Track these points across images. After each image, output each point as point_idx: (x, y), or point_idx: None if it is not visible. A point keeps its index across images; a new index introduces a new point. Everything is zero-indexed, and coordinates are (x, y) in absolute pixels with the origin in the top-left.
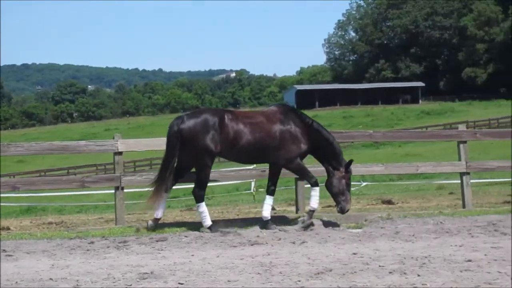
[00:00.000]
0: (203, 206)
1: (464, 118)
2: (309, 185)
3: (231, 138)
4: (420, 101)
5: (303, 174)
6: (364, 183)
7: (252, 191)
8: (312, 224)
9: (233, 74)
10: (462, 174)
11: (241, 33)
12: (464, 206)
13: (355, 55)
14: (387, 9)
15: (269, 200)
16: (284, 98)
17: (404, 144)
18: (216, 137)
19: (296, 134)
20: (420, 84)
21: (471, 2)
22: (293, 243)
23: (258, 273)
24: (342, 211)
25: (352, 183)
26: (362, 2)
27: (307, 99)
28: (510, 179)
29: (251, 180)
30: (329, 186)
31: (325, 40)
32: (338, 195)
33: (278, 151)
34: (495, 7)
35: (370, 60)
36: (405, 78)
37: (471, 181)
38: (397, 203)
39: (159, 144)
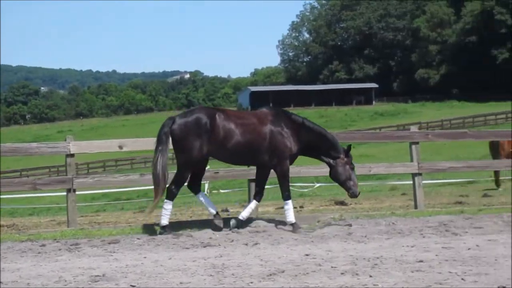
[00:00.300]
0: (169, 205)
1: (417, 119)
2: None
3: (222, 138)
4: (373, 102)
5: (284, 182)
6: (318, 184)
7: (205, 193)
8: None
9: (187, 76)
10: (414, 175)
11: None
12: (416, 207)
13: (309, 57)
14: (340, 11)
15: (252, 205)
16: (238, 99)
17: (357, 145)
18: (206, 139)
19: (287, 136)
20: (374, 85)
21: (424, 4)
22: (246, 244)
23: (211, 275)
24: (354, 195)
25: (305, 184)
26: (315, 4)
27: (261, 100)
28: (462, 180)
29: (205, 182)
30: (335, 175)
31: (279, 41)
32: (346, 181)
33: (268, 153)
34: (447, 9)
35: (324, 62)
36: (359, 79)
37: (424, 182)
38: (350, 204)
39: (112, 146)
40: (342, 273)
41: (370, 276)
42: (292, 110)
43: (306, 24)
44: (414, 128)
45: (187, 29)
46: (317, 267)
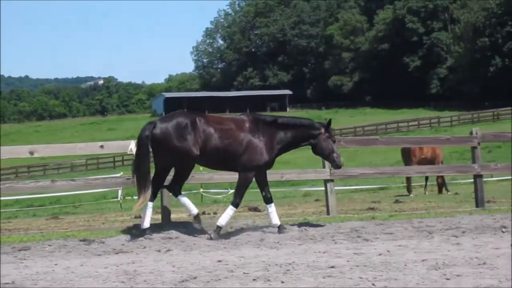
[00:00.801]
0: (183, 199)
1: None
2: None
3: (202, 142)
4: (288, 108)
5: (242, 189)
6: (232, 191)
7: (119, 199)
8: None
9: (101, 81)
10: (326, 181)
11: (109, 40)
12: (328, 213)
13: (223, 63)
14: (254, 18)
15: (271, 209)
16: (153, 105)
17: None
18: (193, 138)
19: (262, 146)
20: (288, 92)
21: (337, 12)
22: (159, 251)
23: (122, 282)
24: (338, 167)
25: (219, 190)
26: (230, 11)
27: (175, 106)
28: (374, 186)
29: (118, 188)
30: (319, 151)
31: (193, 47)
32: (331, 154)
33: (243, 159)
34: (360, 17)
35: (238, 68)
36: (273, 86)
37: (337, 188)
38: (264, 210)
39: (22, 151)
40: (254, 279)
41: (282, 282)
42: None
43: (220, 30)
44: None
45: (100, 35)
46: (230, 273)
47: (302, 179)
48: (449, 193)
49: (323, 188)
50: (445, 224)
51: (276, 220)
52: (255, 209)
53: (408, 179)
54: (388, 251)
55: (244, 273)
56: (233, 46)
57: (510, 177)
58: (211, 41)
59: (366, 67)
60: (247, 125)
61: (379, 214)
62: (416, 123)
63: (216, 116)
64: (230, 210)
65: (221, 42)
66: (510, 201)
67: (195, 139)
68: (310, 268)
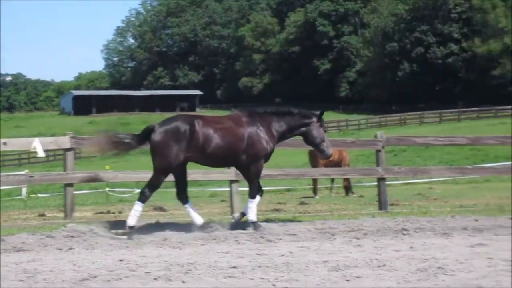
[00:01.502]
0: (139, 206)
1: None
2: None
3: (201, 144)
4: (197, 109)
5: (255, 181)
6: (138, 190)
7: (23, 197)
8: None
9: (9, 78)
10: (231, 182)
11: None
12: (232, 214)
13: (134, 62)
14: (166, 17)
15: (251, 204)
16: (61, 103)
17: None
18: (185, 145)
19: (263, 135)
20: (198, 92)
21: (249, 13)
22: (60, 249)
23: (21, 280)
24: (327, 156)
25: (126, 189)
26: (141, 9)
27: (84, 105)
28: (281, 188)
29: (22, 185)
30: (311, 139)
31: (104, 46)
32: (321, 143)
33: (245, 153)
34: (271, 19)
35: (148, 67)
36: (183, 86)
37: (244, 189)
38: (169, 210)
39: None
40: (155, 279)
41: (183, 282)
42: (116, 115)
43: (131, 29)
44: None
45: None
46: (131, 272)
47: (208, 179)
48: (354, 195)
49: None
50: (348, 226)
51: (253, 216)
52: (161, 209)
53: (314, 181)
54: (290, 252)
55: (145, 272)
56: (144, 45)
57: (413, 181)
58: (122, 39)
59: (277, 69)
60: (244, 119)
61: (283, 215)
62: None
63: (214, 116)
64: (251, 203)
65: (132, 41)
66: (413, 204)
67: (192, 142)
68: (212, 268)
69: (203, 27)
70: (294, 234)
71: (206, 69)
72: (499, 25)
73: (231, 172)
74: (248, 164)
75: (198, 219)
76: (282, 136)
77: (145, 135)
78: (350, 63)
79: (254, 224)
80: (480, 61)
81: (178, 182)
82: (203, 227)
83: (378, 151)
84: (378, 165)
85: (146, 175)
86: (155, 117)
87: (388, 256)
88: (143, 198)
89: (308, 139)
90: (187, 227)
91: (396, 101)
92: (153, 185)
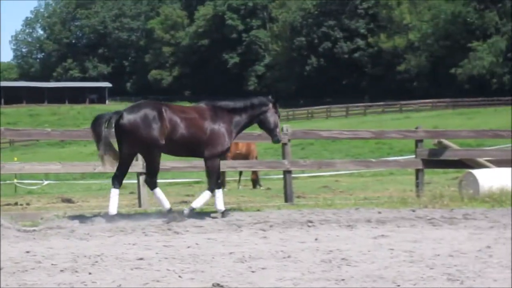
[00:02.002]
0: (158, 192)
1: None
2: None
3: (169, 131)
4: (107, 101)
5: (213, 175)
6: (47, 182)
7: None
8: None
9: None
10: (138, 174)
11: None
12: (140, 205)
13: (43, 53)
14: (75, 9)
15: (206, 195)
16: None
17: (89, 143)
18: (160, 129)
19: (223, 132)
20: (107, 84)
21: (159, 6)
22: None
23: None
24: (279, 140)
25: (34, 181)
26: (50, 1)
27: None
28: (190, 180)
29: None
30: (267, 125)
31: (12, 36)
32: (275, 128)
33: (205, 146)
34: (181, 12)
35: (58, 59)
36: (93, 78)
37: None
38: (77, 202)
39: None
40: (61, 271)
41: (90, 274)
42: (25, 106)
43: (40, 20)
44: None
45: None
46: (37, 264)
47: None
48: (261, 188)
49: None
50: (254, 218)
51: (198, 204)
52: (69, 201)
53: (222, 174)
54: (197, 244)
55: (52, 264)
56: (53, 37)
57: (320, 174)
58: (31, 30)
59: (186, 62)
60: (208, 113)
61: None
62: None
63: (179, 105)
64: (207, 195)
65: (41, 32)
66: (319, 196)
67: (162, 129)
68: (119, 260)
69: (112, 19)
70: (201, 226)
71: (115, 61)
72: (404, 21)
73: (138, 165)
74: (206, 158)
75: (166, 204)
76: (242, 128)
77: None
78: (258, 57)
79: (223, 214)
80: (386, 56)
81: (149, 168)
82: (170, 211)
83: (284, 144)
84: (284, 158)
85: (54, 166)
86: (64, 109)
87: (294, 248)
88: (153, 185)
89: (265, 124)
90: (94, 218)
91: (304, 95)
92: (153, 170)
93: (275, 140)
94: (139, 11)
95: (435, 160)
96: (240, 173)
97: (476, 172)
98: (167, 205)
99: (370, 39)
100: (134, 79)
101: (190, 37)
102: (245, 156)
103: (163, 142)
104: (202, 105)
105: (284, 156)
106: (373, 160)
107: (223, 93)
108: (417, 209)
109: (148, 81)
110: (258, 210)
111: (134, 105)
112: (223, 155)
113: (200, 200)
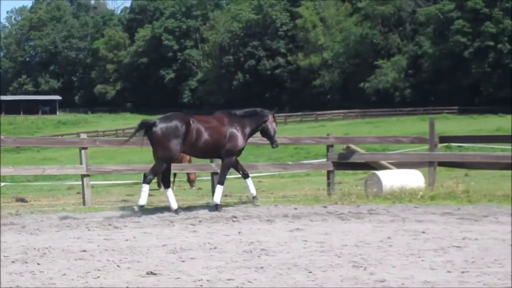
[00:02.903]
0: (146, 188)
1: (95, 128)
2: None
3: (194, 139)
4: (57, 112)
5: (225, 171)
6: (3, 183)
7: None
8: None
9: None
10: (83, 176)
11: None
12: (84, 204)
13: (0, 70)
14: (29, 31)
15: (218, 189)
16: None
17: (42, 149)
18: (180, 141)
19: (239, 135)
20: (57, 97)
21: (103, 28)
22: None
23: None
24: (277, 145)
25: None
26: (6, 23)
27: None
28: (130, 181)
29: None
30: (268, 133)
31: None
32: (274, 135)
33: (225, 148)
34: (123, 34)
35: (13, 75)
36: (45, 91)
37: (99, 182)
38: (30, 201)
39: None
40: (13, 262)
41: (38, 264)
42: None
43: None
44: (83, 135)
45: None
46: None
47: (63, 173)
48: (194, 188)
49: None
50: (186, 214)
51: (218, 199)
52: (23, 200)
53: (158, 176)
54: (134, 237)
55: (4, 256)
56: (9, 55)
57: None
58: None
59: (128, 77)
60: (225, 119)
61: (131, 204)
62: None
63: (202, 116)
64: (220, 188)
65: None
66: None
67: (186, 140)
68: (65, 252)
69: (62, 40)
70: (138, 222)
71: (65, 77)
72: (319, 42)
73: (82, 168)
74: (224, 157)
75: (174, 204)
76: (252, 133)
77: (145, 128)
78: (191, 73)
79: (217, 207)
80: (303, 72)
81: (165, 172)
82: (176, 211)
83: None
84: (212, 161)
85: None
86: (20, 119)
87: (219, 240)
88: (147, 180)
89: (266, 132)
90: (44, 216)
91: (232, 106)
92: (155, 171)
93: (275, 145)
94: (86, 33)
95: (344, 162)
96: (174, 175)
97: (380, 173)
98: (174, 205)
99: (289, 58)
100: (82, 92)
101: (131, 56)
102: (179, 160)
103: (180, 150)
104: (220, 114)
105: (212, 159)
106: (290, 163)
107: (160, 105)
108: (328, 206)
109: (94, 95)
110: (189, 207)
111: (167, 116)
112: (239, 154)
113: (218, 195)
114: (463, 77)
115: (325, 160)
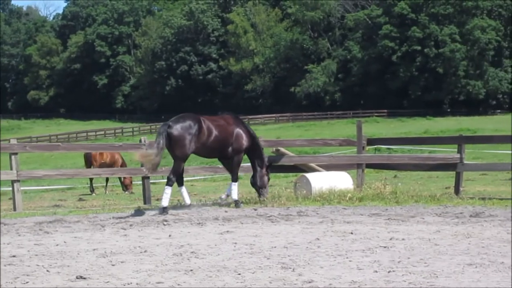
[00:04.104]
0: (169, 190)
1: (29, 134)
2: None
3: (206, 137)
4: None
5: (236, 168)
6: None
7: None
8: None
9: None
10: (13, 182)
11: None
12: (15, 209)
13: None
14: None
15: (234, 186)
16: None
17: None
18: (195, 139)
19: (244, 135)
20: None
21: (36, 35)
22: None
23: None
24: (264, 199)
25: None
26: None
27: None
28: (63, 186)
29: None
30: (253, 180)
31: None
32: (261, 188)
33: (232, 147)
34: (55, 40)
35: None
36: None
37: (32, 188)
38: None
39: None
40: None
41: None
42: None
43: None
44: (13, 141)
45: None
46: None
47: None
48: (126, 192)
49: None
50: (117, 218)
51: (235, 196)
52: None
53: (91, 180)
54: (64, 242)
55: None
56: None
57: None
58: None
59: (61, 83)
60: (231, 120)
61: (61, 210)
62: (103, 132)
63: (211, 116)
64: (235, 186)
65: None
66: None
67: (198, 138)
68: None
69: None
70: (69, 226)
71: None
72: (250, 47)
73: (13, 173)
74: (232, 155)
75: (188, 200)
76: (247, 148)
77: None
78: (124, 78)
79: (236, 203)
80: (235, 77)
81: (176, 170)
82: (189, 207)
83: None
84: (141, 166)
85: None
86: None
87: (150, 244)
88: (170, 183)
89: (253, 179)
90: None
91: (165, 111)
92: (176, 170)
93: (261, 199)
94: (18, 39)
95: (274, 165)
96: (107, 179)
97: (309, 175)
98: (188, 201)
99: (221, 63)
100: (15, 98)
101: (64, 62)
102: (110, 165)
103: (194, 148)
104: (225, 115)
105: (141, 164)
106: (220, 166)
107: (94, 111)
108: (258, 208)
109: (27, 101)
110: (121, 212)
111: (179, 116)
112: (244, 152)
113: (235, 192)
114: (392, 80)
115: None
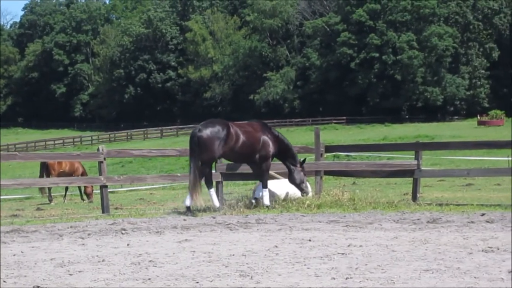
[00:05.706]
0: (212, 191)
1: None
2: None
3: (233, 142)
4: None
5: (266, 174)
6: None
7: None
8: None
9: None
10: None
11: None
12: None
13: None
14: None
15: (265, 193)
16: None
17: None
18: (222, 143)
19: (271, 141)
20: None
21: None
22: None
23: None
24: (306, 194)
25: None
26: None
27: None
28: (21, 196)
29: None
30: (292, 179)
31: None
32: (301, 183)
33: (259, 153)
34: (13, 49)
35: None
36: None
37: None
38: None
39: None
40: None
41: None
42: None
43: None
44: None
45: None
46: None
47: None
48: (85, 201)
49: None
50: (75, 227)
51: (267, 201)
52: None
53: (49, 189)
54: (22, 251)
55: None
56: None
57: (137, 188)
58: None
59: (19, 92)
60: (259, 127)
61: (18, 220)
62: (61, 141)
63: (239, 122)
64: (266, 192)
65: None
66: (134, 208)
67: (226, 142)
68: None
69: None
70: (27, 236)
71: None
72: (209, 55)
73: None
74: (260, 161)
75: (216, 202)
76: (274, 154)
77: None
78: (83, 87)
79: (268, 207)
80: (194, 85)
81: (206, 173)
82: (218, 209)
83: (100, 162)
84: (100, 174)
85: None
86: None
87: (108, 253)
88: (209, 186)
89: (290, 177)
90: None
91: (124, 119)
92: (203, 173)
93: (304, 194)
94: None
95: (233, 173)
96: (66, 188)
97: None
98: (217, 204)
99: (180, 71)
100: None
101: (21, 71)
102: (69, 174)
103: (220, 154)
104: (253, 122)
105: (100, 172)
106: (179, 174)
107: (52, 119)
108: (217, 216)
109: None
110: (79, 221)
111: (208, 121)
112: (272, 158)
113: (266, 198)
114: (350, 87)
115: (213, 171)
